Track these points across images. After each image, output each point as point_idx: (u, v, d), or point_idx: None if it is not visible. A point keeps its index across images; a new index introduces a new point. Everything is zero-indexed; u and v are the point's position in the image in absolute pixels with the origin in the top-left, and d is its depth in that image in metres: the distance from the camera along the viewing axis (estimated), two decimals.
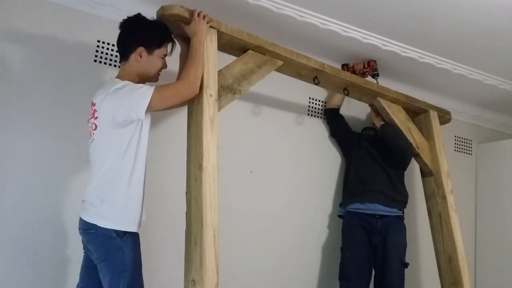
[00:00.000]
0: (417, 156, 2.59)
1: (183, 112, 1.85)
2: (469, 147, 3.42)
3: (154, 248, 1.98)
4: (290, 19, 2.22)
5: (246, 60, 1.94)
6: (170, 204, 2.06)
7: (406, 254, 2.47)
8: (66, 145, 1.98)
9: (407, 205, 2.61)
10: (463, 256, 2.44)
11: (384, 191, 2.50)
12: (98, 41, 2.11)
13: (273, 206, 2.50)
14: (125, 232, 1.57)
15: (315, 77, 2.27)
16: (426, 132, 2.64)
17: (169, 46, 1.78)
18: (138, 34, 1.70)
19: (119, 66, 1.94)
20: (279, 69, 2.11)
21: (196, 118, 1.73)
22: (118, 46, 1.76)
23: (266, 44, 1.98)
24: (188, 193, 1.72)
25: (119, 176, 1.58)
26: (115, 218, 1.56)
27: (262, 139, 2.51)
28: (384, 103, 2.49)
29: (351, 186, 2.59)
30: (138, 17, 1.72)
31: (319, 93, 2.73)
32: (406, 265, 2.44)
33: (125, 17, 1.73)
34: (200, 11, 1.74)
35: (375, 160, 2.58)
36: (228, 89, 1.84)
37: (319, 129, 2.73)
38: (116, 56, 2.06)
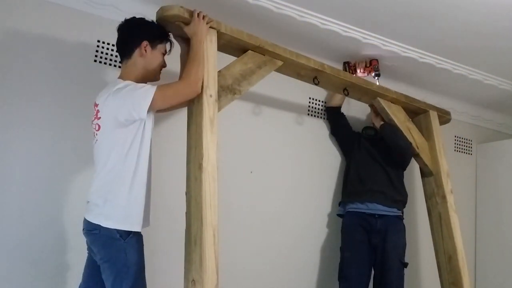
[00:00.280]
0: (417, 156, 2.59)
1: (183, 112, 1.85)
2: (469, 147, 3.42)
3: (154, 248, 1.98)
4: (290, 19, 2.22)
5: (246, 61, 1.94)
6: (170, 204, 2.06)
7: (406, 254, 2.47)
8: (66, 145, 1.99)
9: (407, 205, 2.62)
10: (463, 256, 2.44)
11: (384, 190, 2.50)
12: (98, 41, 2.11)
13: (273, 206, 2.50)
14: (128, 233, 1.57)
15: (315, 77, 2.27)
16: (426, 132, 2.64)
17: (168, 45, 1.80)
18: (142, 29, 1.73)
19: (119, 66, 1.95)
20: (279, 70, 2.11)
21: (196, 118, 1.73)
22: (120, 46, 1.77)
23: (266, 45, 1.98)
24: (188, 193, 1.72)
25: (122, 176, 1.58)
26: (118, 218, 1.56)
27: (262, 139, 2.51)
28: (384, 103, 2.49)
29: (350, 186, 2.59)
30: (138, 18, 1.75)
31: (319, 93, 2.73)
32: (405, 265, 2.44)
33: (124, 19, 1.76)
34: (199, 12, 1.75)
35: (375, 160, 2.58)
36: (228, 90, 1.84)
37: (319, 129, 2.73)
38: (116, 56, 2.06)
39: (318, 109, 2.74)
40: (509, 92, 3.00)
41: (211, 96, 1.73)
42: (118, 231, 1.55)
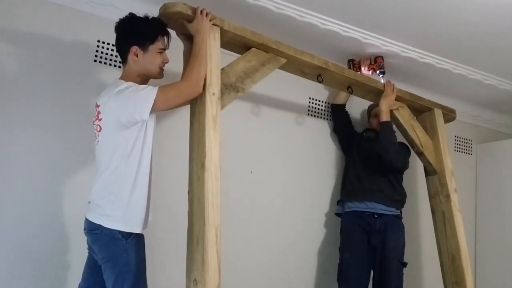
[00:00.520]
0: (421, 155, 2.57)
1: (186, 110, 1.83)
2: (469, 147, 3.43)
3: (156, 247, 1.96)
4: (290, 19, 2.22)
5: (249, 58, 1.93)
6: (172, 203, 2.05)
7: (405, 254, 2.46)
8: (66, 146, 1.98)
9: (409, 205, 2.61)
10: (467, 255, 2.42)
11: (383, 190, 2.50)
12: (98, 41, 2.10)
13: (273, 206, 2.49)
14: (130, 233, 1.56)
15: (319, 75, 2.25)
16: (431, 130, 2.62)
17: (164, 39, 1.72)
18: (128, 35, 1.68)
19: (119, 66, 1.94)
20: (282, 67, 2.09)
21: (198, 117, 1.72)
22: (116, 50, 1.76)
23: (270, 42, 1.96)
24: (190, 192, 1.71)
25: (124, 177, 1.58)
26: (120, 219, 1.56)
27: (262, 139, 2.50)
28: None
29: (349, 185, 2.59)
30: (128, 17, 1.69)
31: (319, 93, 2.73)
32: (404, 264, 2.43)
33: (118, 20, 1.71)
34: (203, 9, 1.73)
35: (374, 160, 2.57)
36: (231, 87, 1.83)
37: (319, 129, 2.73)
38: (116, 56, 2.05)
39: (318, 109, 2.74)
40: (509, 92, 3.01)
41: (214, 94, 1.71)
42: (120, 231, 1.55)
